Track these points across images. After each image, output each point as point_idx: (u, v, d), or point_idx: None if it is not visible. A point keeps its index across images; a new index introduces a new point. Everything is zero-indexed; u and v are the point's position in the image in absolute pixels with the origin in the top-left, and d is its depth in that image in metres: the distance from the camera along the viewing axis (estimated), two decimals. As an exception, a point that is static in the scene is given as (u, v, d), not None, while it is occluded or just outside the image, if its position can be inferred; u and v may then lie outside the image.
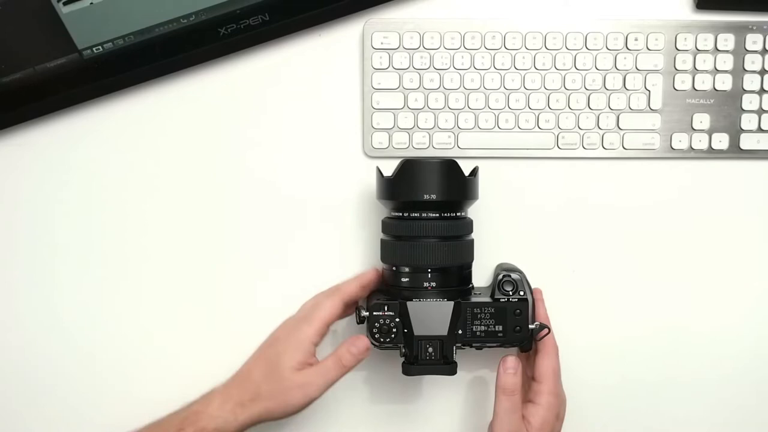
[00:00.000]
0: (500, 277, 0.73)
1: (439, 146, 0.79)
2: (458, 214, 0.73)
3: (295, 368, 0.71)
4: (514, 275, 0.73)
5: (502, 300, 0.72)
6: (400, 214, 0.73)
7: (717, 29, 0.79)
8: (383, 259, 0.74)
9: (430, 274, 0.72)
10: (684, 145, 0.79)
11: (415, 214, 0.72)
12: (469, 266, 0.75)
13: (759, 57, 0.79)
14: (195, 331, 0.81)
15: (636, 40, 0.79)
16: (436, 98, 0.79)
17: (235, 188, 0.80)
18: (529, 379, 0.75)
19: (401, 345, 0.71)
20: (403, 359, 0.72)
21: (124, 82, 0.78)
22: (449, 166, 0.72)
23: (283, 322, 0.77)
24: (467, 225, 0.74)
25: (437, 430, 0.82)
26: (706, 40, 0.79)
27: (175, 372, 0.81)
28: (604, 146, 0.79)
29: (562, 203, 0.81)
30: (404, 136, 0.79)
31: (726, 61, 0.79)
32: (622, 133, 0.79)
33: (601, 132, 0.79)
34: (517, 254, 0.80)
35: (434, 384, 0.81)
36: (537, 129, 0.79)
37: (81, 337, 0.81)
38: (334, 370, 0.71)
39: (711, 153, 0.80)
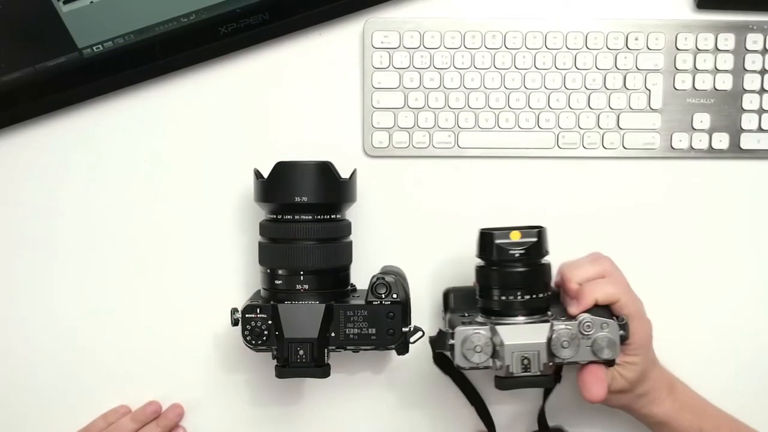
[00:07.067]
0: (374, 279, 0.71)
1: (439, 145, 0.79)
2: (333, 216, 0.73)
3: None
4: (388, 278, 0.71)
5: (375, 303, 0.71)
6: (275, 216, 0.73)
7: (717, 29, 0.79)
8: (259, 261, 0.73)
9: (303, 276, 0.71)
10: (684, 145, 0.79)
11: (288, 217, 0.72)
12: (346, 268, 0.74)
13: (759, 56, 0.79)
14: (198, 331, 0.81)
15: (636, 39, 0.79)
16: (436, 97, 0.79)
17: (235, 187, 0.80)
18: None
19: (274, 347, 0.71)
20: (275, 362, 0.71)
21: (124, 81, 0.78)
22: (322, 168, 0.72)
23: None
24: (343, 227, 0.74)
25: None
26: (706, 40, 0.79)
27: (176, 371, 0.81)
28: (605, 146, 0.79)
29: (561, 203, 0.81)
30: (404, 136, 0.79)
31: (726, 61, 0.79)
32: (622, 132, 0.79)
33: (602, 131, 0.79)
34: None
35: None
36: (537, 128, 0.79)
37: (81, 337, 0.80)
38: None
39: (711, 153, 0.80)
